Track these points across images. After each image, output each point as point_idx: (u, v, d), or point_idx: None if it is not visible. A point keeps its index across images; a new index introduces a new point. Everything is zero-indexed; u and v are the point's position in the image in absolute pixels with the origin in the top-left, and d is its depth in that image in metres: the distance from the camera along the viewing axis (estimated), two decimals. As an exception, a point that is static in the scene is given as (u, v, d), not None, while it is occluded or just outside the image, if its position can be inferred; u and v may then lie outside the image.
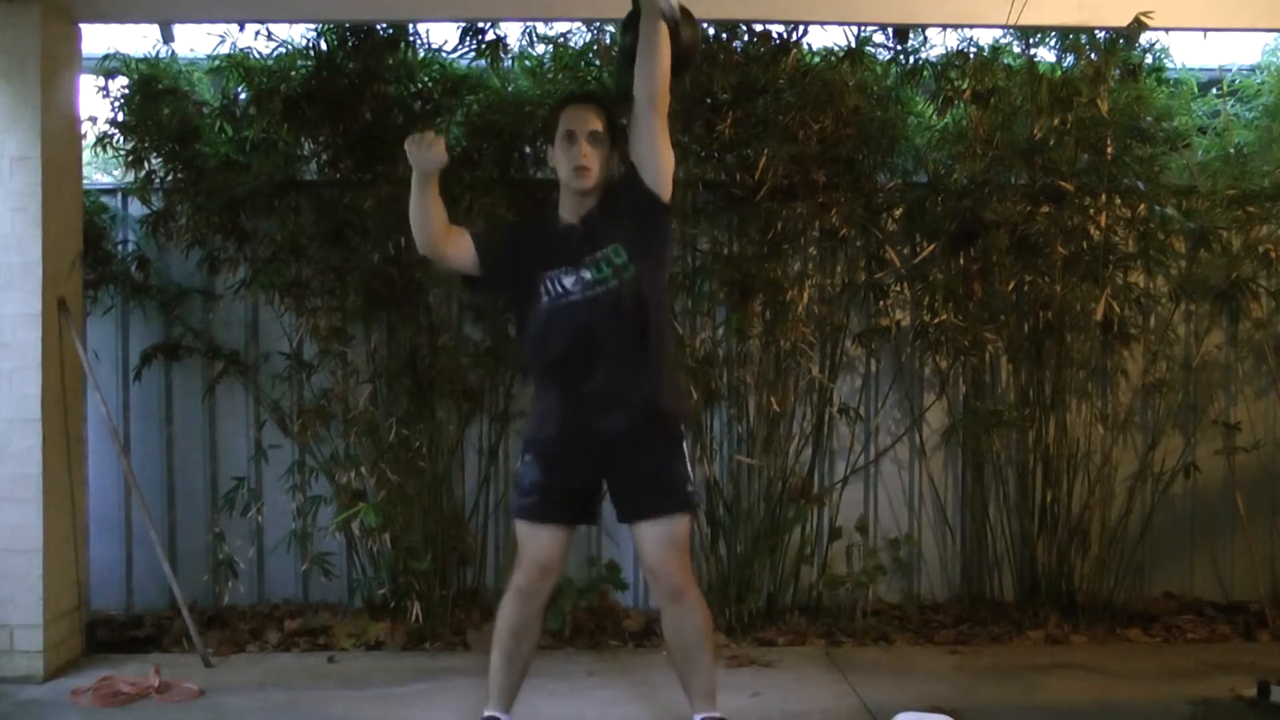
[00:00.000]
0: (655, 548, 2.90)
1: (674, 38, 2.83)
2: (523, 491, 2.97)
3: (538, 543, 2.94)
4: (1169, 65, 4.54)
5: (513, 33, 4.37)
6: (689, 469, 2.96)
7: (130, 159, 4.42)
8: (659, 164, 2.85)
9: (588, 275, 2.86)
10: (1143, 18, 3.96)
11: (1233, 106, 4.77)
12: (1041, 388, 4.62)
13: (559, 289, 2.87)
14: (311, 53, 4.36)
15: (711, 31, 4.31)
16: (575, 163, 2.89)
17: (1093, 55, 4.43)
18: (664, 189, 2.88)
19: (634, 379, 2.86)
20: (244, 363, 4.62)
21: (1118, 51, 4.41)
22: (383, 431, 4.43)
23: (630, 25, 2.91)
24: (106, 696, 3.58)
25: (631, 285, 2.85)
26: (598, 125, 2.90)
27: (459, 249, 2.95)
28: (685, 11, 2.90)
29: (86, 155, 4.39)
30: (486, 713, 3.02)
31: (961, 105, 4.43)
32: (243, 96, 4.41)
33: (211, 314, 4.65)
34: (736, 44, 4.35)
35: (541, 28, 4.39)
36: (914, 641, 4.37)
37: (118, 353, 4.67)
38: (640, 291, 2.86)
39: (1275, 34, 4.68)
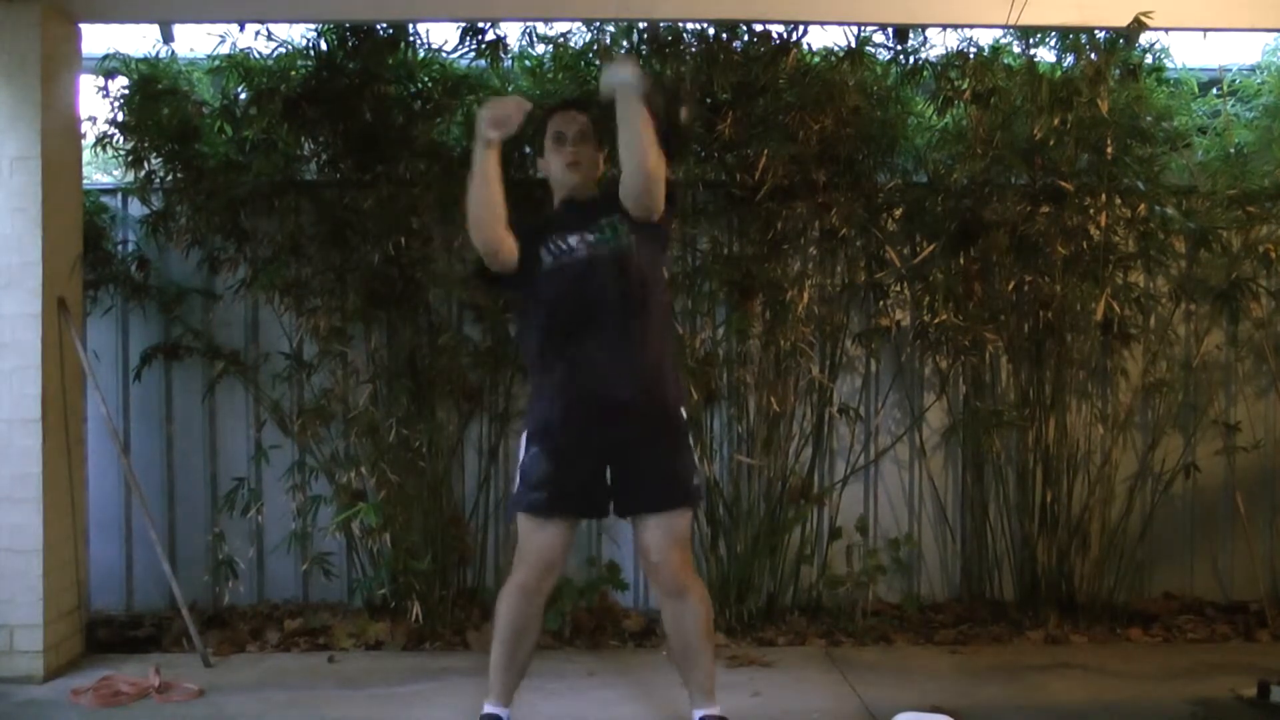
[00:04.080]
0: (657, 543, 2.88)
1: (670, 116, 2.78)
2: (531, 485, 2.90)
3: (544, 539, 2.90)
4: (1169, 65, 4.54)
5: (513, 33, 4.38)
6: (695, 459, 2.95)
7: (130, 159, 4.42)
8: (651, 214, 2.87)
9: (591, 237, 2.88)
10: (1143, 18, 3.96)
11: (1233, 106, 4.77)
12: (1041, 388, 4.62)
13: (562, 247, 2.87)
14: (311, 53, 4.36)
15: (711, 32, 4.32)
16: (566, 159, 2.92)
17: (1093, 55, 4.43)
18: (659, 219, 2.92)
19: (638, 345, 2.85)
20: (244, 363, 4.61)
21: (1118, 51, 4.41)
22: (383, 431, 4.43)
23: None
24: (106, 696, 3.57)
25: (633, 249, 2.86)
26: (584, 125, 2.94)
27: (512, 246, 2.86)
28: (681, 90, 2.84)
29: (86, 155, 4.39)
30: (487, 708, 3.02)
31: (961, 105, 4.44)
32: (243, 96, 4.41)
33: (211, 314, 4.65)
34: (736, 44, 4.35)
35: (541, 28, 4.39)
36: (914, 641, 4.37)
37: (118, 353, 4.67)
38: (641, 258, 2.88)
39: (1275, 34, 4.68)
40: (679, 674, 3.05)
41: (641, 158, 2.73)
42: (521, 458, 2.97)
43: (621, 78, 2.70)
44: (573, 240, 2.88)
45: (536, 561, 2.91)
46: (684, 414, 3.02)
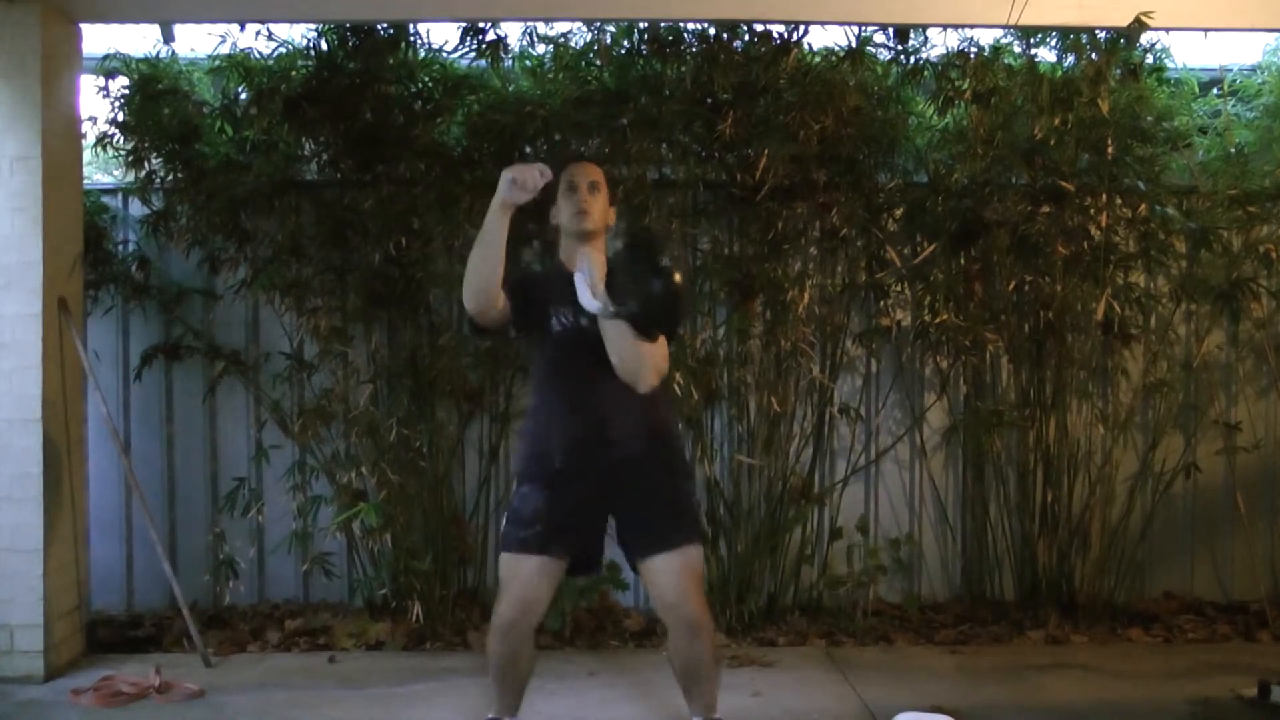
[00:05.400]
0: (673, 582, 2.79)
1: (656, 302, 2.67)
2: (519, 523, 2.84)
3: (528, 578, 2.80)
4: (1169, 65, 4.54)
5: (513, 33, 4.38)
6: (697, 498, 2.92)
7: (130, 159, 4.42)
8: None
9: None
10: (1143, 18, 3.96)
11: (1233, 106, 4.77)
12: (1042, 388, 4.62)
13: (569, 320, 2.85)
14: (312, 53, 4.36)
15: (712, 32, 4.32)
16: (576, 208, 2.89)
17: (1093, 55, 4.43)
18: None
19: (639, 404, 2.83)
20: (244, 363, 4.61)
21: (1118, 51, 4.41)
22: (383, 431, 4.43)
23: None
24: (107, 696, 3.57)
25: (635, 320, 2.79)
26: (596, 177, 2.94)
27: (503, 307, 2.82)
28: (656, 268, 2.71)
29: (87, 155, 4.39)
30: (490, 716, 3.01)
31: (962, 105, 4.43)
32: (243, 96, 4.41)
33: (212, 314, 4.65)
34: (737, 44, 4.35)
35: (541, 28, 4.39)
36: (914, 641, 4.37)
37: (118, 353, 4.67)
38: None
39: (1275, 34, 4.68)
40: (682, 691, 3.00)
41: (637, 377, 2.73)
42: (512, 496, 2.96)
43: (589, 306, 2.65)
44: (583, 320, 2.82)
45: (518, 599, 2.81)
46: (681, 449, 3.01)
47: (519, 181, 2.65)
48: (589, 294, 2.64)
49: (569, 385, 2.87)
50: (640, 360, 2.72)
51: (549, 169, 2.69)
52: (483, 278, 2.73)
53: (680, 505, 2.89)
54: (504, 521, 2.94)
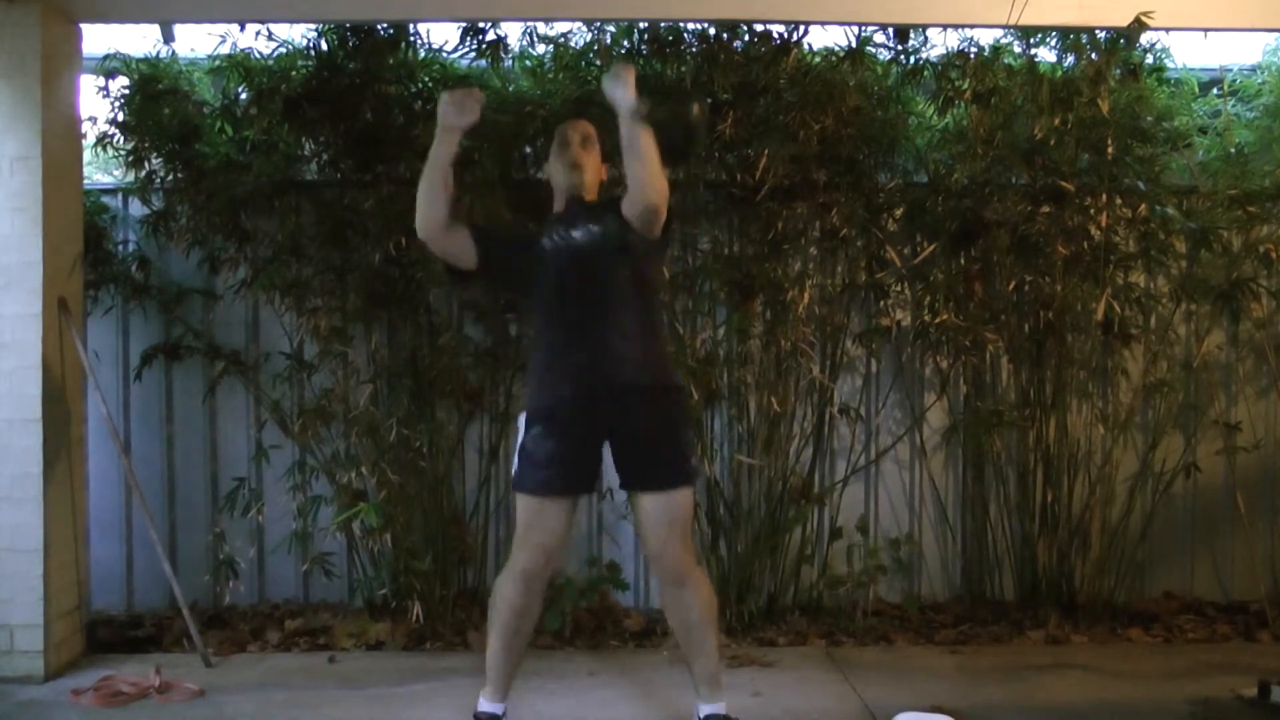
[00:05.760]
0: (656, 527, 2.89)
1: (679, 120, 2.82)
2: (536, 464, 2.90)
3: (548, 521, 2.90)
4: (1169, 65, 4.54)
5: (513, 33, 4.38)
6: (693, 438, 2.97)
7: (130, 159, 4.42)
8: (651, 232, 2.90)
9: (593, 228, 2.93)
10: (1143, 18, 3.96)
11: (1233, 106, 4.77)
12: (1042, 388, 4.62)
13: (563, 236, 2.94)
14: (312, 53, 4.36)
15: (712, 32, 4.32)
16: (569, 160, 2.97)
17: (1093, 55, 4.43)
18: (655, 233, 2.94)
19: (637, 328, 2.91)
20: (244, 363, 4.62)
21: (1118, 51, 4.41)
22: (383, 431, 4.43)
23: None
24: (107, 696, 3.57)
25: (631, 242, 2.90)
26: (589, 132, 3.02)
27: (458, 239, 2.99)
28: (685, 96, 2.87)
29: (87, 155, 4.38)
30: (484, 706, 3.01)
31: (962, 105, 4.43)
32: (243, 96, 4.41)
33: (212, 314, 4.65)
34: (737, 44, 4.35)
35: (542, 28, 4.39)
36: (914, 641, 4.37)
37: (118, 353, 4.67)
38: (638, 254, 2.92)
39: (1275, 34, 4.68)
40: (685, 662, 3.05)
41: (645, 184, 2.78)
42: (522, 438, 2.98)
43: (623, 102, 2.72)
44: (574, 232, 2.95)
45: (538, 546, 2.91)
46: (681, 394, 3.08)
47: (454, 102, 2.79)
48: (625, 91, 2.71)
49: (569, 312, 2.92)
50: (657, 171, 2.77)
51: (481, 92, 2.83)
52: (426, 199, 2.88)
53: (674, 447, 2.94)
54: (516, 463, 2.99)
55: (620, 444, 2.92)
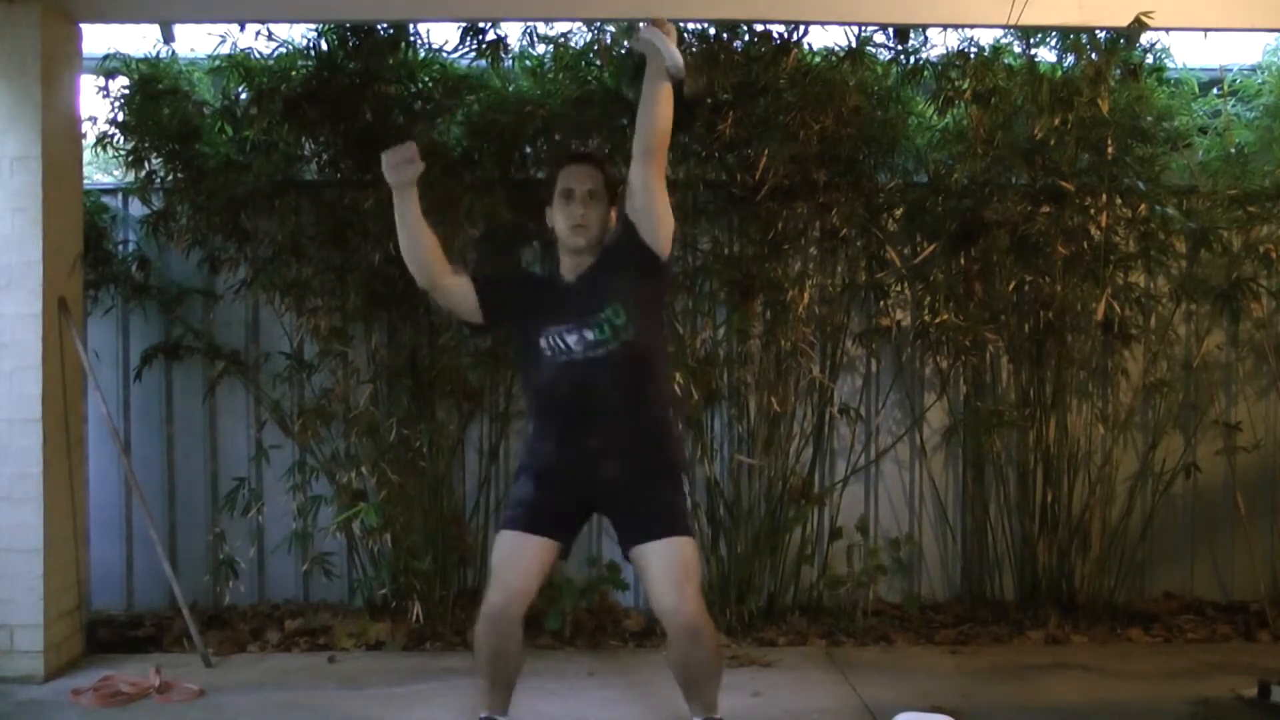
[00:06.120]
0: (666, 577, 2.73)
1: (679, 92, 2.79)
2: (513, 504, 2.93)
3: (519, 560, 2.81)
4: (1169, 65, 4.54)
5: (513, 33, 4.38)
6: (688, 505, 2.89)
7: (130, 159, 4.42)
8: (656, 220, 2.81)
9: (590, 335, 2.80)
10: (1143, 18, 3.96)
11: (1233, 106, 4.77)
12: (1042, 388, 4.62)
13: (561, 345, 2.82)
14: (312, 53, 4.36)
15: (712, 32, 4.32)
16: (573, 221, 2.85)
17: (1093, 55, 4.42)
18: (662, 245, 2.84)
19: (634, 432, 2.83)
20: (244, 363, 4.62)
21: (1118, 51, 4.41)
22: (383, 431, 4.43)
23: (637, 77, 2.83)
24: (106, 696, 3.57)
25: (631, 345, 2.81)
26: (595, 183, 2.89)
27: (458, 287, 2.91)
28: (689, 65, 2.85)
29: (87, 155, 4.38)
30: (483, 715, 3.01)
31: (962, 105, 4.43)
32: (243, 97, 4.41)
33: (212, 314, 4.65)
34: (737, 44, 4.35)
35: (542, 28, 4.39)
36: (914, 641, 4.37)
37: (118, 353, 4.67)
38: (640, 350, 2.83)
39: (1275, 34, 4.68)
40: (682, 691, 2.97)
41: (656, 137, 2.77)
42: (512, 490, 3.03)
43: (669, 56, 2.71)
44: (571, 340, 2.81)
45: (505, 586, 2.80)
46: (681, 468, 2.96)
47: (390, 164, 2.75)
48: (670, 45, 2.73)
49: (564, 417, 2.86)
50: (668, 128, 2.78)
51: (414, 144, 2.78)
52: (407, 254, 2.86)
53: (670, 507, 2.83)
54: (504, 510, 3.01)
55: (614, 508, 2.88)
